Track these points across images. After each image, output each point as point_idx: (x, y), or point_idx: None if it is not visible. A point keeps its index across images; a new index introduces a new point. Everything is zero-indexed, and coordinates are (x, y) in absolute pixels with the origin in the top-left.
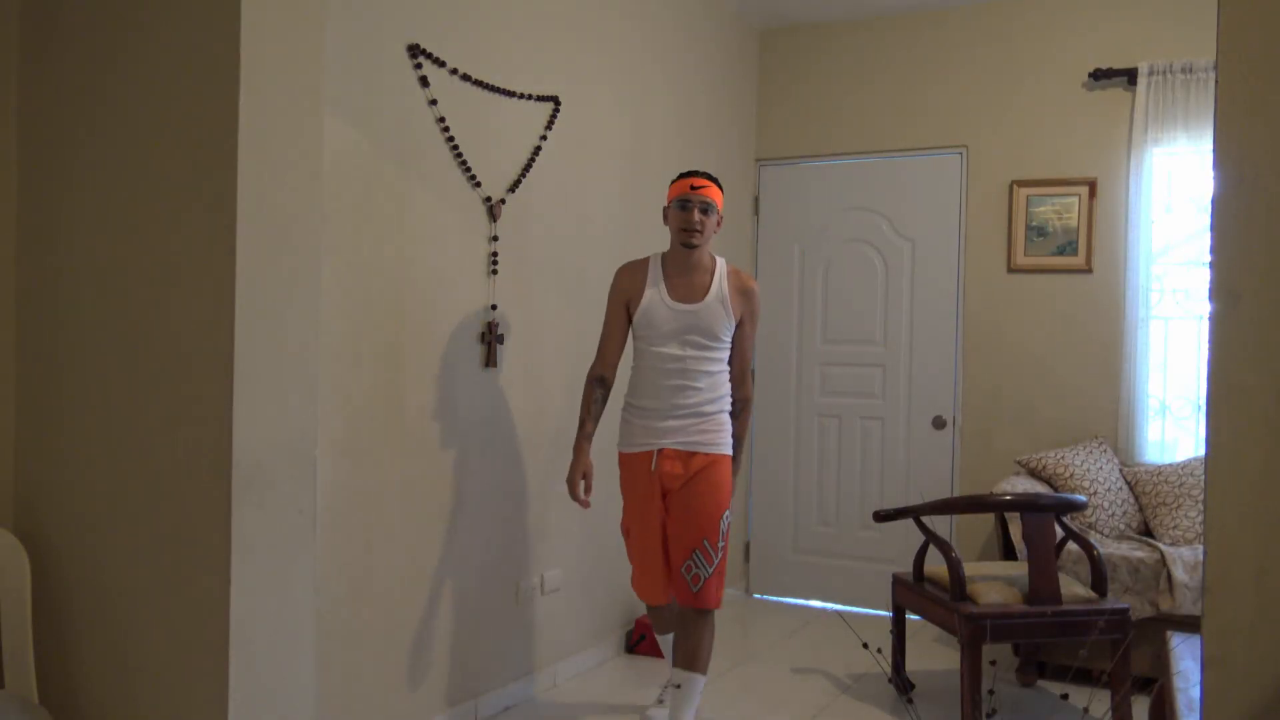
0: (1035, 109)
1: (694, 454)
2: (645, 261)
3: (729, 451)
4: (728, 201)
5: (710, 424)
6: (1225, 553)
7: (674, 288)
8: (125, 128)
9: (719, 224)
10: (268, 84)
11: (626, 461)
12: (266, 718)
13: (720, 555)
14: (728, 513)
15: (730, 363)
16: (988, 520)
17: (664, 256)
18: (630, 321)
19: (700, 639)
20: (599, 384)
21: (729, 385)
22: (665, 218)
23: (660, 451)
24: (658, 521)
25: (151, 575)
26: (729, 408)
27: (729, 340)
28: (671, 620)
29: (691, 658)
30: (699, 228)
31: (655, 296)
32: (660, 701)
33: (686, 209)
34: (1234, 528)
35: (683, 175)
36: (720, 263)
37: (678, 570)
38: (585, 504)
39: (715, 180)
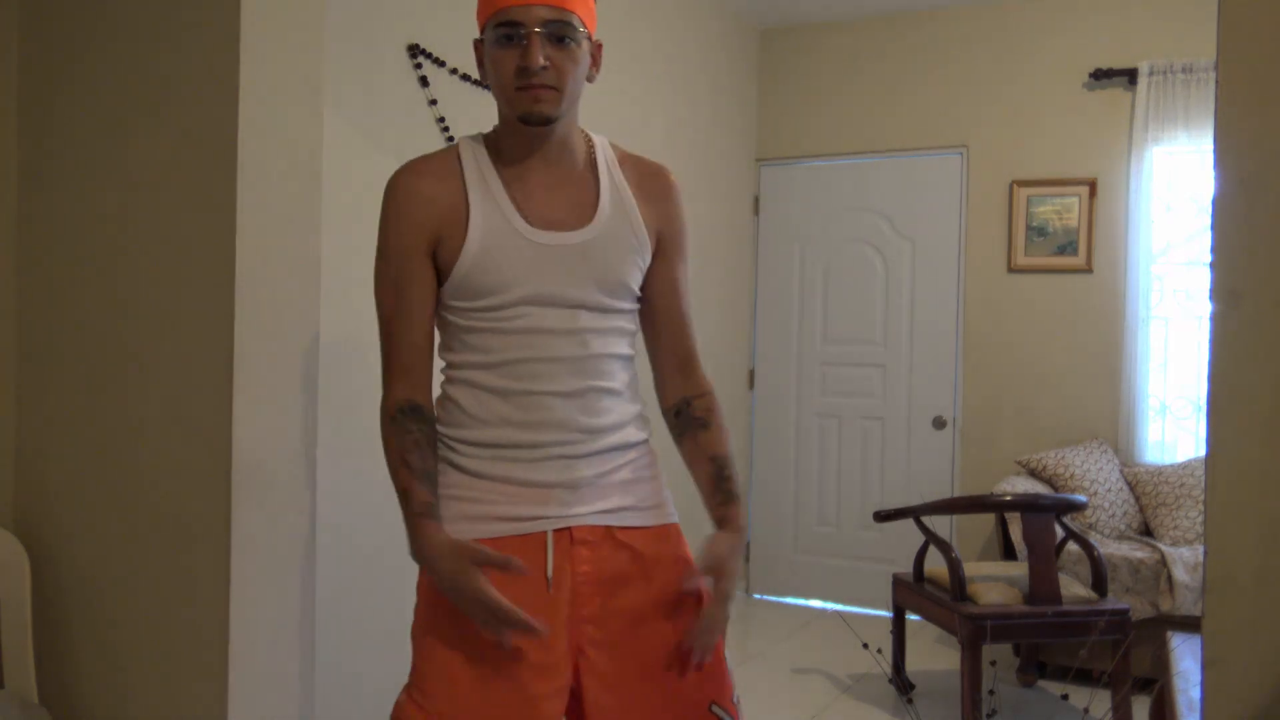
0: (1035, 109)
1: (633, 531)
2: (448, 156)
3: (673, 515)
4: (729, 201)
5: (641, 464)
6: (1225, 553)
7: (528, 202)
8: (125, 128)
9: (595, 62)
10: (268, 84)
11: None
12: (266, 718)
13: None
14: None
15: (653, 333)
16: (988, 520)
17: (487, 145)
18: (439, 282)
19: None
20: (411, 416)
21: (634, 383)
22: (479, 66)
23: (563, 535)
24: (534, 704)
25: (151, 575)
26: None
27: (638, 294)
28: None
29: None
30: (551, 79)
31: (495, 222)
32: None
33: (515, 40)
34: (1234, 528)
35: None
36: (600, 142)
37: None
38: (533, 628)
39: None
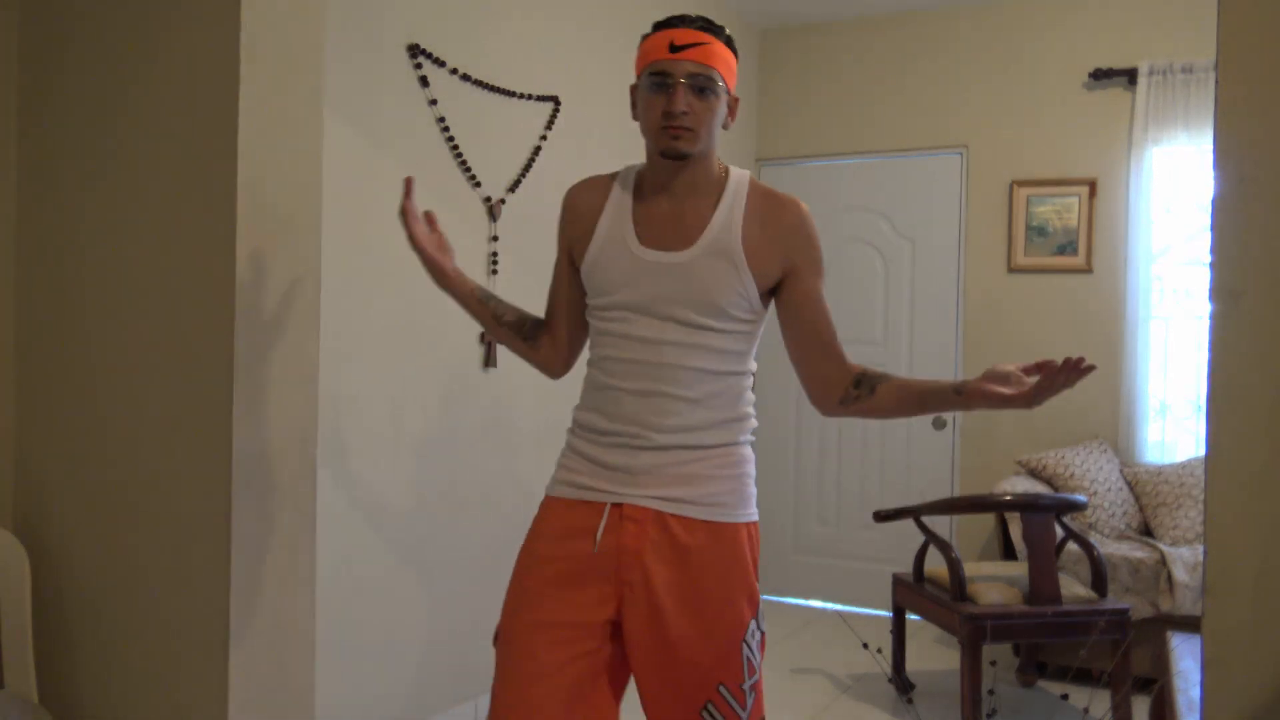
0: (1035, 109)
1: (684, 521)
2: (608, 179)
3: (745, 515)
4: None
5: (714, 464)
6: (1225, 553)
7: (647, 223)
8: (125, 127)
9: (732, 112)
10: (268, 84)
11: (548, 513)
12: (266, 718)
13: (750, 701)
14: (754, 623)
15: (800, 341)
16: (988, 520)
17: (639, 172)
18: (579, 277)
19: None
20: (531, 316)
21: (747, 403)
22: (633, 105)
23: (618, 510)
24: (584, 639)
25: (151, 575)
26: (750, 438)
27: (744, 316)
28: None
29: None
30: (690, 123)
31: (613, 236)
32: None
33: (664, 88)
34: (1234, 528)
35: (661, 25)
36: (737, 178)
37: None
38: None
39: (720, 31)
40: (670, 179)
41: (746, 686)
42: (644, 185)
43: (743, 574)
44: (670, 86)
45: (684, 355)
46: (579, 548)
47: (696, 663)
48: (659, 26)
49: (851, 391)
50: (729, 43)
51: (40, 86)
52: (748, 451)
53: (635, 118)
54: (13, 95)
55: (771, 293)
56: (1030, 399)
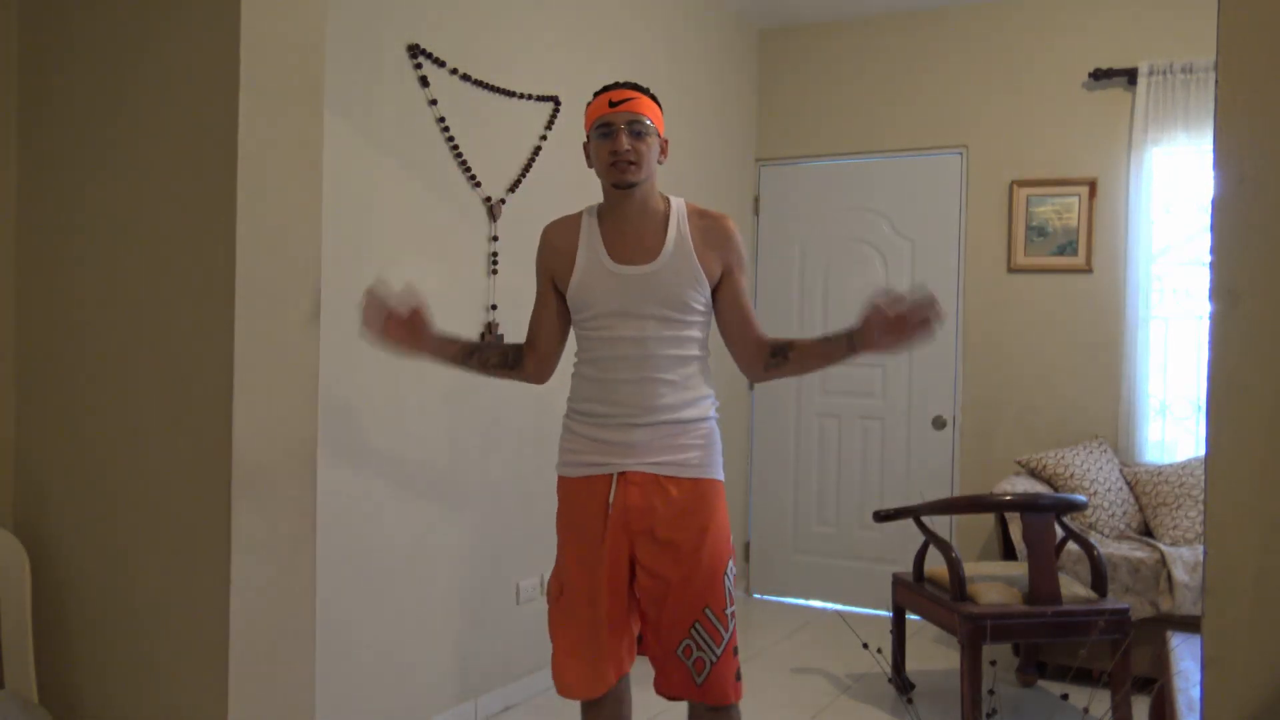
0: (1035, 109)
1: (673, 480)
2: (576, 217)
3: (718, 474)
4: (729, 202)
5: (693, 435)
6: (1225, 553)
7: (615, 245)
8: (125, 127)
9: (664, 150)
10: (268, 84)
11: (567, 491)
12: (266, 718)
13: (731, 628)
14: (731, 563)
15: (729, 328)
16: (988, 520)
17: (599, 208)
18: (562, 301)
19: None
20: (512, 345)
21: (709, 381)
22: (587, 157)
23: (623, 477)
24: (613, 577)
25: (151, 575)
26: (714, 413)
27: (701, 309)
28: None
29: None
30: (632, 158)
31: (591, 260)
32: None
33: (609, 135)
34: (1234, 528)
35: (599, 91)
36: (676, 203)
37: (670, 655)
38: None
39: (645, 90)
40: (625, 207)
41: (727, 612)
42: (605, 216)
43: (720, 521)
44: (614, 133)
45: (664, 346)
46: (598, 510)
47: (688, 590)
48: (598, 92)
49: (770, 360)
50: (653, 97)
51: (40, 86)
52: (713, 425)
53: (589, 166)
54: (13, 95)
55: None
56: (899, 334)
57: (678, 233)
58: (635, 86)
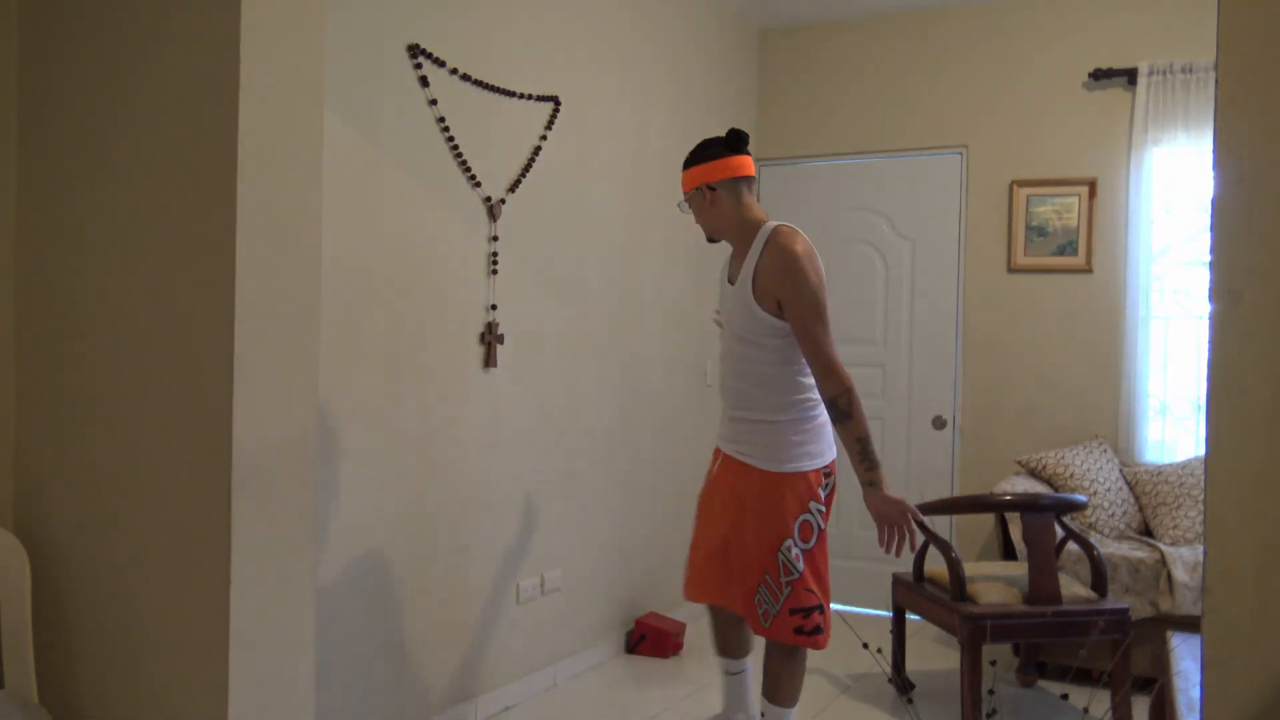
0: (1035, 109)
1: (745, 467)
2: None
3: (788, 468)
4: None
5: (760, 434)
6: (1225, 553)
7: (731, 267)
8: (125, 127)
9: (712, 200)
10: (268, 84)
11: (713, 457)
12: (266, 718)
13: (787, 592)
14: (789, 541)
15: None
16: (988, 520)
17: None
18: None
19: (776, 669)
20: None
21: (800, 388)
22: None
23: (722, 455)
24: (713, 522)
25: (151, 575)
26: (803, 414)
27: (769, 332)
28: (721, 635)
29: (769, 687)
30: (700, 225)
31: (722, 274)
32: None
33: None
34: (1234, 528)
35: None
36: (764, 231)
37: (751, 597)
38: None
39: (688, 162)
40: (730, 245)
41: (783, 580)
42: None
43: (776, 508)
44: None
45: (743, 359)
46: (711, 472)
47: (751, 554)
48: None
49: (829, 409)
50: (689, 163)
51: (40, 87)
52: (787, 427)
53: None
54: (12, 95)
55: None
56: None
57: (753, 262)
58: (686, 163)
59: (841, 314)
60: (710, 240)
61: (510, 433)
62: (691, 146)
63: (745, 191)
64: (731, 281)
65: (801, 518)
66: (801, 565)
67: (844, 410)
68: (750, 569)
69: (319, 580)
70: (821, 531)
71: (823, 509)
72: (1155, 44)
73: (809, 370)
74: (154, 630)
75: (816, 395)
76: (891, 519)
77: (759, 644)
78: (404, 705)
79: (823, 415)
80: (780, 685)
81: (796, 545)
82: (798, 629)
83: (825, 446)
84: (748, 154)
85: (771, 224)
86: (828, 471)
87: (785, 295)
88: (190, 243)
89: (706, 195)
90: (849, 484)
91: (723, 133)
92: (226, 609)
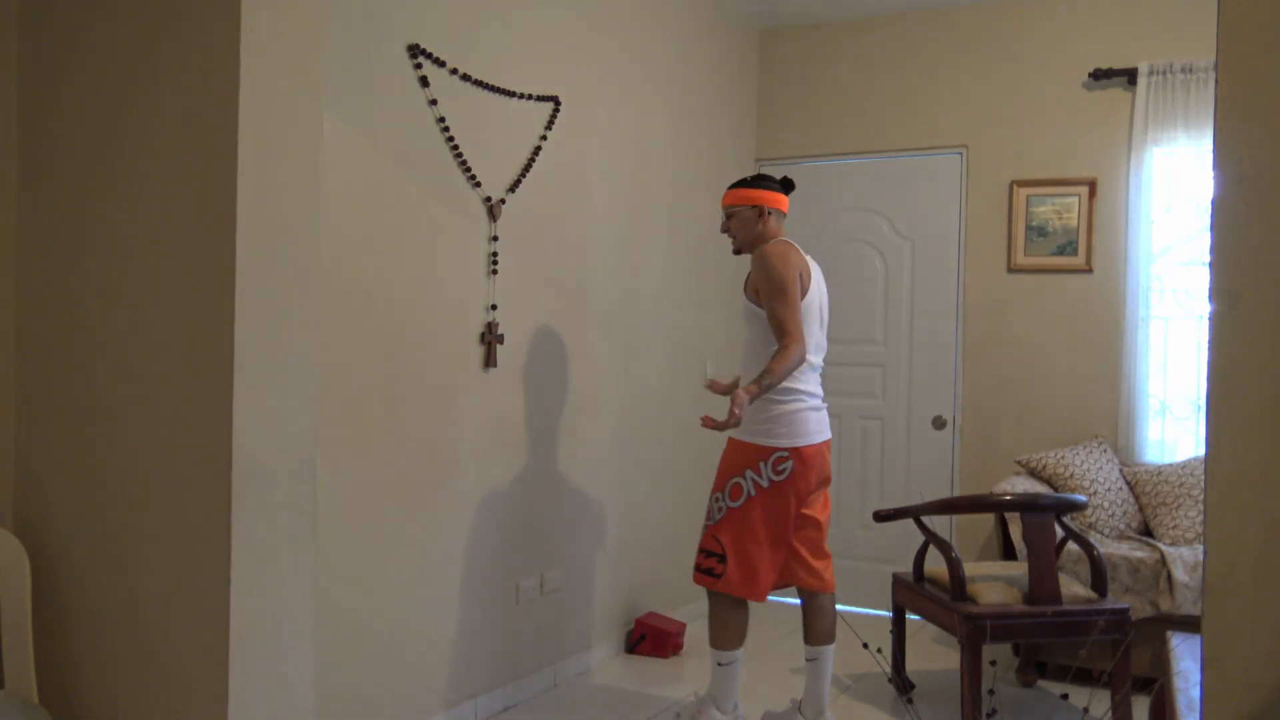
0: (1035, 109)
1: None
2: None
3: (744, 438)
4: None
5: (754, 406)
6: (1225, 553)
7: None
8: (125, 127)
9: (761, 220)
10: (268, 84)
11: None
12: (266, 718)
13: (702, 535)
14: (719, 494)
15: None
16: (988, 520)
17: None
18: None
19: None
20: None
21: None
22: None
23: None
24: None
25: (152, 575)
26: (772, 397)
27: (751, 317)
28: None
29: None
30: (731, 236)
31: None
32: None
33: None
34: (1234, 528)
35: None
36: (768, 244)
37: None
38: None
39: (753, 184)
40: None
41: (705, 524)
42: None
43: (721, 465)
44: (723, 220)
45: (743, 348)
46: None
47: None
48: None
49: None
50: (736, 185)
51: (40, 87)
52: (759, 407)
53: None
54: (13, 96)
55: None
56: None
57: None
58: (733, 185)
59: (841, 314)
60: (736, 252)
61: (510, 433)
62: (692, 147)
63: (778, 222)
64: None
65: (733, 480)
66: (719, 518)
67: (783, 362)
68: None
69: (319, 579)
70: (751, 499)
71: (760, 481)
72: (1155, 44)
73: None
74: (154, 630)
75: (792, 385)
76: (730, 411)
77: (762, 633)
78: (404, 705)
79: (794, 405)
80: (709, 627)
81: (725, 500)
82: (697, 566)
83: (787, 433)
84: (787, 197)
85: (776, 241)
86: (781, 457)
87: (758, 281)
88: (190, 243)
89: (760, 214)
90: (850, 482)
91: (723, 134)
92: (226, 609)
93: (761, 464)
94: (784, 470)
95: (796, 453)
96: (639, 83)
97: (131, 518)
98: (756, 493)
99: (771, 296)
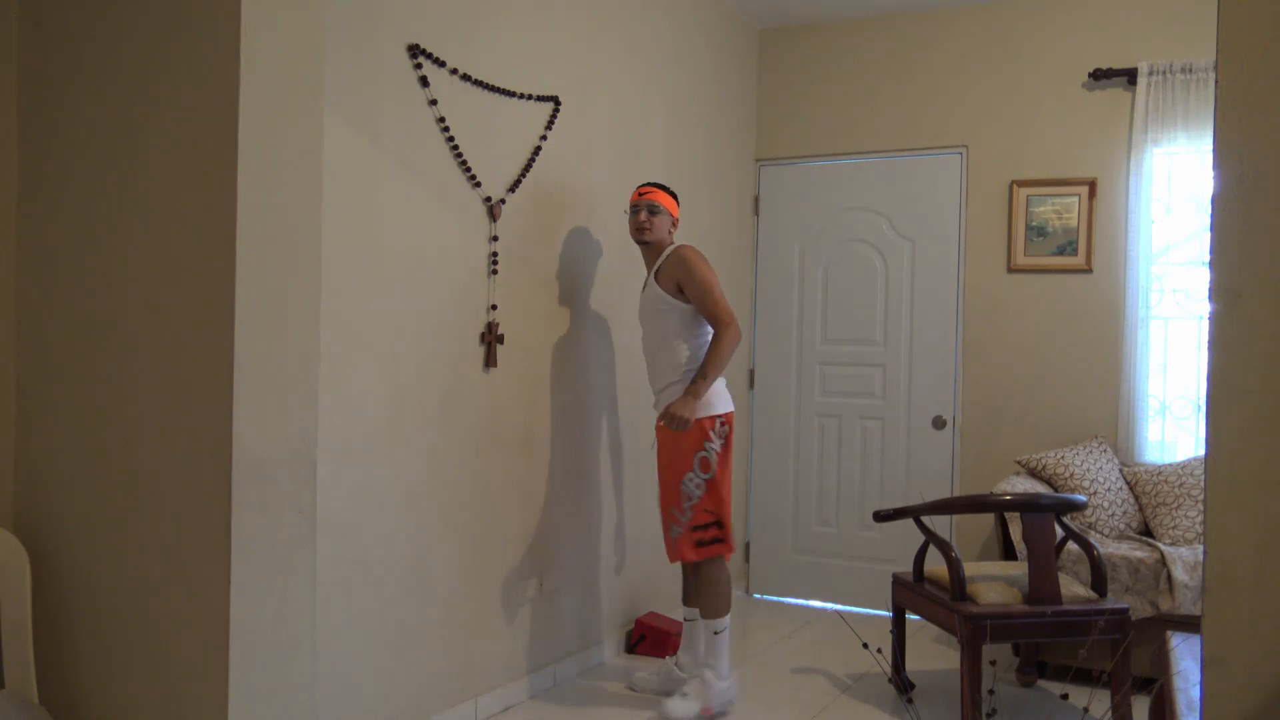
0: (1035, 109)
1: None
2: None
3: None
4: (729, 202)
5: (669, 396)
6: (1225, 553)
7: (646, 275)
8: (125, 126)
9: (674, 225)
10: (268, 84)
11: None
12: (266, 718)
13: (689, 515)
14: (689, 474)
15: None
16: (988, 520)
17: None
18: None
19: (699, 587)
20: None
21: (688, 357)
22: (628, 224)
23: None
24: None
25: (152, 575)
26: (691, 375)
27: (664, 307)
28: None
29: (700, 606)
30: (647, 226)
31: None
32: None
33: (637, 211)
34: (1234, 528)
35: (638, 189)
36: (668, 249)
37: (667, 531)
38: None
39: (668, 190)
40: (646, 252)
41: (685, 506)
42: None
43: (676, 447)
44: (638, 210)
45: (648, 340)
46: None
47: (662, 493)
48: (638, 189)
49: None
50: (666, 191)
51: (40, 87)
52: (683, 386)
53: (629, 228)
54: (13, 96)
55: (680, 296)
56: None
57: (658, 269)
58: (657, 185)
59: (841, 314)
60: (642, 243)
61: (510, 433)
62: (692, 147)
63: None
64: (644, 287)
65: (699, 454)
66: (700, 493)
67: (728, 347)
68: (663, 507)
69: (319, 579)
70: (719, 463)
71: (715, 446)
72: (1155, 44)
73: (695, 343)
74: (154, 630)
75: (696, 365)
76: (674, 417)
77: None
78: (404, 704)
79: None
80: (704, 600)
81: (699, 475)
82: (699, 542)
83: (721, 401)
84: None
85: (677, 245)
86: (723, 421)
87: (688, 280)
88: (190, 243)
89: (674, 223)
90: (850, 482)
91: (723, 134)
92: (226, 609)
93: (712, 431)
94: (725, 428)
95: (729, 415)
96: (639, 83)
97: (132, 518)
98: (718, 457)
99: (706, 289)
